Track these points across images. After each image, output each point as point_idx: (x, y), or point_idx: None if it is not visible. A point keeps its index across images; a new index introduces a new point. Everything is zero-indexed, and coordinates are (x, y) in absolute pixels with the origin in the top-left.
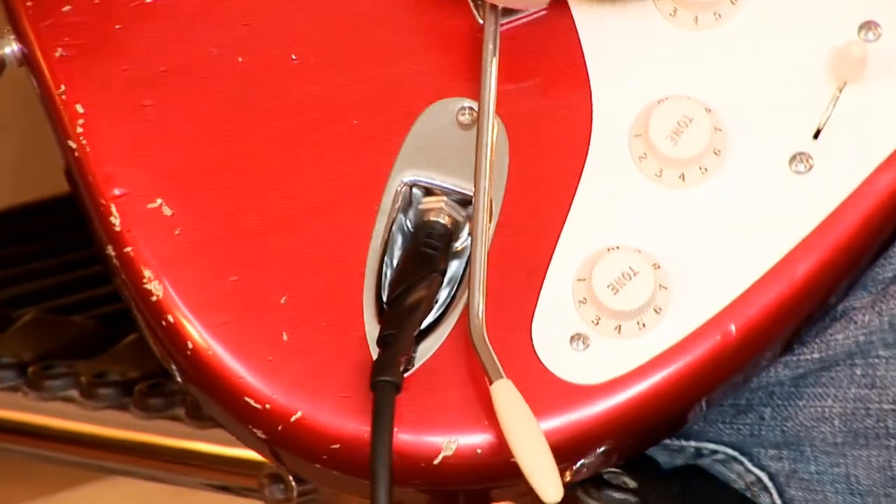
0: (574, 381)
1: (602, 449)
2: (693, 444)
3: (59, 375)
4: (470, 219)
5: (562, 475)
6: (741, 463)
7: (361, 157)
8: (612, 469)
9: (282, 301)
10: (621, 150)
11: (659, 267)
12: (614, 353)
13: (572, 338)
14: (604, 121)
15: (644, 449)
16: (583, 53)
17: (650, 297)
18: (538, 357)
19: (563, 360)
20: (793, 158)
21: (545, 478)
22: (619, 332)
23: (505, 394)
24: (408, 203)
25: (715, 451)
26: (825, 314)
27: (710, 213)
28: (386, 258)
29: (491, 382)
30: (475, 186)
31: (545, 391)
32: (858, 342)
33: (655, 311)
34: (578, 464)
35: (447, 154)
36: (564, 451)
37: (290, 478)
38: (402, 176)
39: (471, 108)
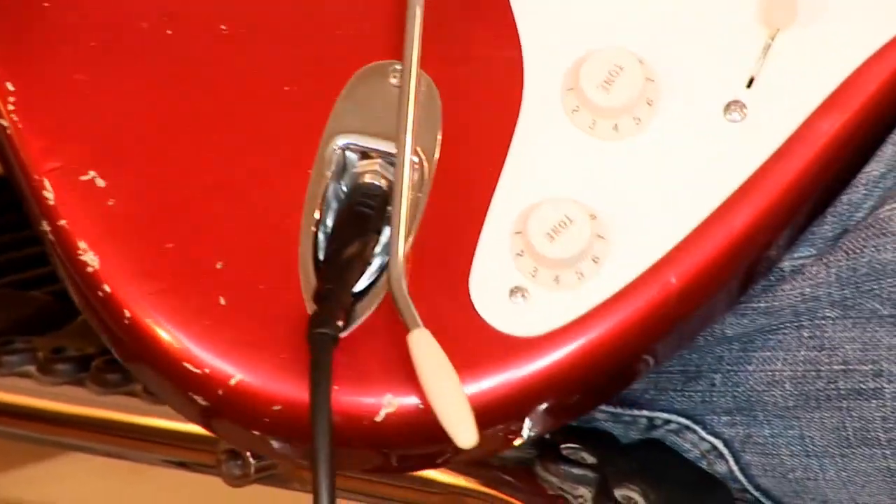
0: (514, 334)
1: (547, 403)
2: (646, 413)
3: (16, 351)
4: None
5: (510, 434)
6: (694, 431)
7: (294, 123)
8: (571, 444)
9: (217, 266)
10: (554, 104)
11: (595, 217)
12: (554, 304)
13: (511, 291)
14: (535, 76)
15: (593, 405)
16: (511, 10)
17: (586, 245)
18: (476, 311)
19: (502, 314)
20: (727, 107)
21: (458, 421)
22: (558, 282)
23: (420, 342)
24: (343, 167)
25: (668, 421)
26: (769, 269)
27: (646, 164)
28: (322, 222)
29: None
30: (398, 138)
31: (485, 345)
32: (805, 295)
33: (593, 260)
34: (526, 421)
35: (380, 116)
36: (509, 405)
37: (248, 454)
38: (335, 139)
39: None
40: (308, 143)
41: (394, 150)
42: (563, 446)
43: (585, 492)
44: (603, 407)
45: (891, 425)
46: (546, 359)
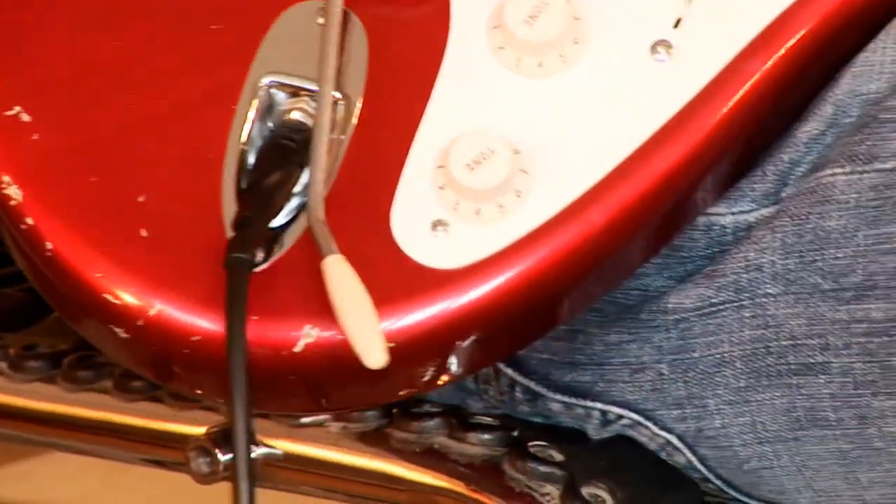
0: (434, 266)
1: (469, 337)
2: (599, 405)
3: None
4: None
5: (435, 370)
6: (647, 427)
7: (220, 61)
8: (539, 442)
9: (140, 200)
10: (480, 42)
11: (519, 152)
12: (475, 237)
13: (434, 224)
14: (462, 16)
15: (517, 344)
16: None
17: (507, 177)
18: (397, 244)
19: (423, 247)
20: (654, 46)
21: (367, 341)
22: (479, 215)
23: (333, 267)
24: (269, 105)
25: (620, 416)
26: (694, 212)
27: (571, 101)
28: (245, 157)
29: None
30: (319, 75)
31: (404, 277)
32: (749, 261)
33: (516, 194)
34: (450, 356)
35: (306, 55)
36: (429, 337)
37: (217, 451)
38: (261, 77)
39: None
40: (235, 80)
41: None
42: (530, 444)
43: (553, 489)
44: (556, 396)
45: (839, 403)
46: (466, 291)
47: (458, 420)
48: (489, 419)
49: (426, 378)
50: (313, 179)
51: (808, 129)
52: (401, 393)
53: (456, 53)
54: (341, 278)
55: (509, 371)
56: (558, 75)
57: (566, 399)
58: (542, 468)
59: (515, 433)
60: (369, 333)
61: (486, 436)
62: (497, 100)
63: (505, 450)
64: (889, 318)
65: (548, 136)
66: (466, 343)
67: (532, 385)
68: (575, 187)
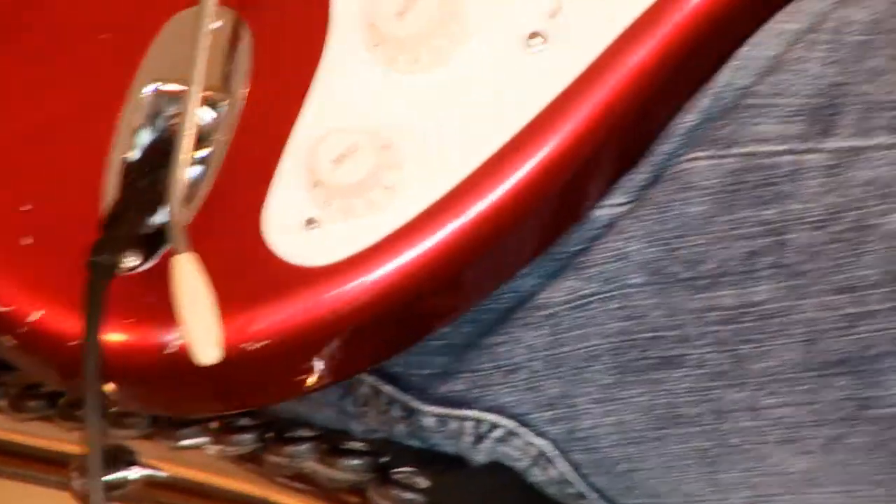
0: (303, 264)
1: (339, 336)
2: (474, 413)
3: None
4: (217, 122)
5: (308, 367)
6: (519, 436)
7: (107, 70)
8: (405, 469)
9: (25, 209)
10: (356, 40)
11: (390, 147)
12: (345, 233)
13: (307, 222)
14: (341, 13)
15: (388, 348)
16: None
17: (372, 172)
18: (265, 244)
19: (295, 245)
20: (529, 37)
21: (200, 337)
22: (349, 212)
23: (178, 265)
24: (155, 112)
25: (494, 426)
26: (579, 205)
27: (445, 95)
28: (130, 164)
29: None
30: (189, 76)
31: (272, 276)
32: (618, 250)
33: (387, 190)
34: (321, 355)
35: (190, 60)
36: (301, 335)
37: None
38: (145, 84)
39: None
40: (121, 88)
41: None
42: (395, 471)
43: None
44: (431, 408)
45: (696, 398)
46: (335, 287)
47: (330, 445)
48: (360, 444)
49: (302, 378)
50: (172, 179)
51: (685, 120)
52: (277, 395)
53: (334, 52)
54: (183, 277)
55: (388, 388)
56: (433, 70)
57: (441, 410)
58: (406, 495)
59: (383, 459)
60: (202, 329)
61: (355, 461)
62: (372, 96)
63: (372, 476)
64: (739, 304)
65: (420, 131)
66: (338, 341)
67: (409, 400)
68: (445, 182)
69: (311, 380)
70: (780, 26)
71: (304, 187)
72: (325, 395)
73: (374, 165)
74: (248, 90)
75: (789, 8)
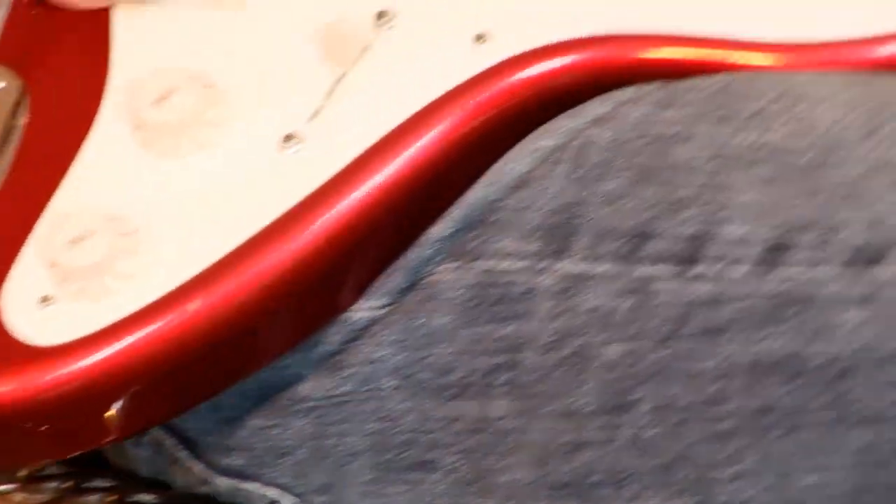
0: (35, 343)
1: (68, 416)
2: (257, 487)
3: None
4: None
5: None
6: None
7: None
8: None
9: None
10: (122, 120)
11: (130, 234)
12: (78, 315)
13: (42, 299)
14: (113, 90)
15: (123, 431)
16: (110, 24)
17: (106, 257)
18: (2, 318)
19: (29, 322)
20: (286, 138)
21: None
22: (83, 293)
23: None
24: None
25: (279, 500)
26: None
27: (196, 184)
28: None
29: None
30: None
31: (4, 353)
32: (371, 356)
33: (123, 274)
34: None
35: None
36: (20, 413)
37: None
38: None
39: None
40: None
41: None
42: None
43: None
44: (221, 479)
45: (452, 502)
46: (63, 369)
47: (120, 495)
48: (151, 497)
49: (26, 452)
50: None
51: (440, 229)
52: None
53: (102, 128)
54: None
55: (183, 454)
56: (188, 158)
57: (229, 481)
58: None
59: None
60: None
61: None
62: (125, 179)
63: None
64: (482, 416)
65: (167, 218)
66: (65, 421)
67: (202, 469)
68: (184, 271)
69: (60, 449)
70: (536, 143)
71: (44, 264)
72: (137, 450)
73: (109, 250)
74: (15, 157)
75: (549, 125)
